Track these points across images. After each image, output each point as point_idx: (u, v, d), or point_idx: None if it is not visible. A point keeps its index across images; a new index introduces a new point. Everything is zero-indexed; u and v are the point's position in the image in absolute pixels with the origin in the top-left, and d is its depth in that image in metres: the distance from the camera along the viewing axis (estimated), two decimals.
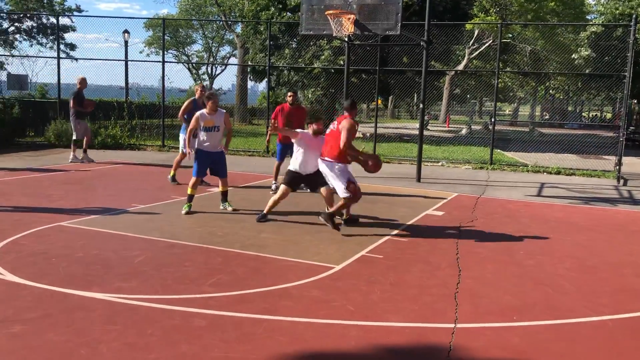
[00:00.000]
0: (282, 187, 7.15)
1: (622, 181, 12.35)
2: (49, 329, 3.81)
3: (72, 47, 30.07)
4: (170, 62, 30.90)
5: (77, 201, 8.10)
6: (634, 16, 12.98)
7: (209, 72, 51.35)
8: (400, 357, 3.66)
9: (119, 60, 17.87)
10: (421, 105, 11.72)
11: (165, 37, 18.72)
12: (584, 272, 5.63)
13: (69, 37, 29.70)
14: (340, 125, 6.79)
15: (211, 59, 52.84)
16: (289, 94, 9.64)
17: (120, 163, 12.54)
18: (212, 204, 8.14)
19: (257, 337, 3.81)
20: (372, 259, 5.76)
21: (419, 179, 11.31)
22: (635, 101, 32.63)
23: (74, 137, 12.37)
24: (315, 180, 7.20)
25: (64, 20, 28.26)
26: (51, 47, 29.93)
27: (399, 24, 9.88)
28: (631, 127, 27.24)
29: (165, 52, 16.82)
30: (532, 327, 4.19)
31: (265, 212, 7.24)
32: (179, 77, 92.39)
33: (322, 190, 7.16)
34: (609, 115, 47.09)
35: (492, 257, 6.04)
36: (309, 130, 7.16)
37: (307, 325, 4.04)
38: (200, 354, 3.54)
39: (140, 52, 53.44)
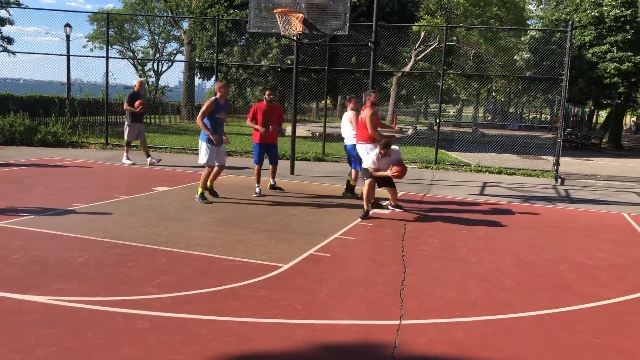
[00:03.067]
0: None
1: (559, 180, 12.87)
2: None
3: (9, 40, 28.78)
4: (115, 57, 29.98)
5: (13, 200, 7.77)
6: (570, 22, 13.53)
7: (155, 68, 50.17)
8: (346, 355, 3.68)
9: (60, 55, 17.29)
10: None
11: (110, 32, 18.16)
12: (523, 268, 5.83)
13: (5, 30, 28.36)
14: (363, 114, 8.39)
15: (157, 55, 51.71)
16: (267, 92, 9.17)
17: (61, 161, 12.11)
18: (156, 204, 7.98)
19: (202, 338, 3.76)
20: (320, 257, 5.78)
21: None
22: (572, 104, 34.04)
23: (126, 139, 12.49)
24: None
25: (0, 13, 27.04)
26: None
27: (348, 24, 9.96)
28: (568, 129, 28.44)
29: (110, 48, 16.31)
30: (474, 322, 4.30)
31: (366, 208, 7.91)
32: (124, 74, 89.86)
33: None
34: (547, 117, 48.89)
35: (436, 254, 6.18)
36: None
37: (253, 325, 4.01)
38: (144, 357, 3.45)
39: (84, 47, 51.56)
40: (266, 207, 8.22)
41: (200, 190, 8.33)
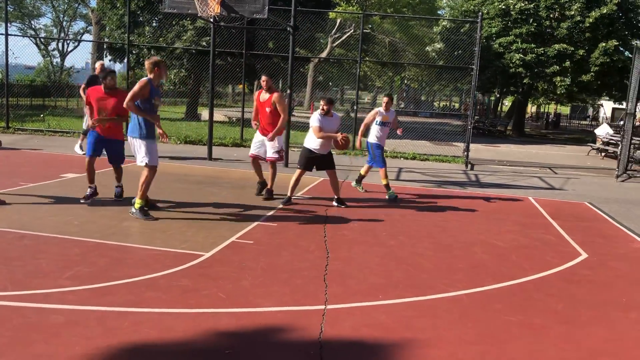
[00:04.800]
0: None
1: (469, 166, 13.45)
2: None
3: None
4: (15, 35, 27.98)
5: None
6: (480, 13, 14.09)
7: (60, 48, 47.32)
8: (272, 341, 3.66)
9: None
10: (288, 91, 11.78)
11: (9, 9, 16.82)
12: (440, 251, 6.04)
13: None
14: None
15: (62, 35, 48.77)
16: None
17: None
18: (66, 191, 7.55)
19: (122, 331, 3.60)
20: (243, 244, 5.70)
21: (286, 164, 11.39)
22: (479, 93, 35.62)
23: (84, 127, 11.29)
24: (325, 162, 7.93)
25: None
26: None
27: (267, 8, 9.82)
28: (476, 117, 29.77)
29: (9, 25, 15.14)
30: (396, 304, 4.41)
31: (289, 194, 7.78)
32: (25, 53, 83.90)
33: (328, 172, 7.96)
34: (457, 105, 50.94)
35: (358, 238, 6.27)
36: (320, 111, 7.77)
37: (176, 316, 3.89)
38: (59, 353, 3.26)
39: None
40: (185, 195, 7.99)
41: (139, 201, 6.46)
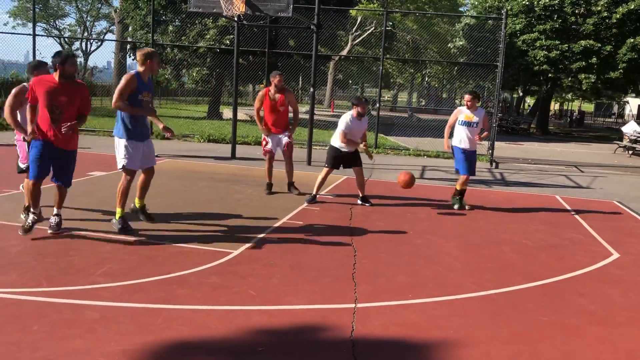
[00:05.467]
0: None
1: (494, 164, 13.31)
2: None
3: None
4: (41, 35, 28.61)
5: None
6: (504, 10, 13.93)
7: (83, 48, 47.97)
8: (304, 339, 3.66)
9: None
10: (311, 89, 11.79)
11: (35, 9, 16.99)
12: (468, 250, 5.99)
13: None
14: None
15: (86, 34, 49.41)
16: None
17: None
18: (93, 189, 7.63)
19: (155, 327, 3.63)
20: (270, 242, 5.72)
21: (309, 163, 11.40)
22: (503, 90, 35.21)
23: None
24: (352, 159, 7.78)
25: None
26: None
27: (291, 6, 9.83)
28: (499, 114, 29.49)
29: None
30: (426, 303, 4.38)
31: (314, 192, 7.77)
32: (50, 53, 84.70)
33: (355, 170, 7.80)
34: (478, 103, 50.36)
35: (384, 237, 6.24)
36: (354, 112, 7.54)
37: (208, 313, 3.91)
38: (94, 349, 3.30)
39: (5, 24, 48.52)
40: (211, 193, 8.04)
41: (118, 210, 5.67)
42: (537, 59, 23.34)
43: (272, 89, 7.94)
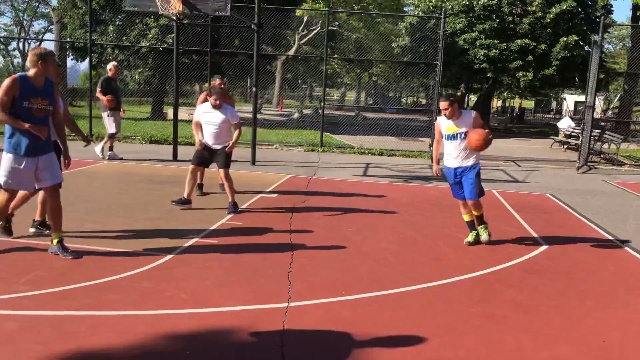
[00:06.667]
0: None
1: None
2: None
3: None
4: None
5: None
6: (443, 10, 14.25)
7: (20, 48, 46.20)
8: (233, 340, 3.64)
9: None
10: (254, 89, 11.74)
11: None
12: (404, 245, 6.09)
13: None
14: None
15: (23, 34, 47.58)
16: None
17: None
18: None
19: (79, 335, 3.53)
20: (207, 244, 5.66)
21: (253, 162, 11.35)
22: (446, 88, 35.95)
23: (110, 131, 10.76)
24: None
25: None
26: None
27: (229, 5, 9.74)
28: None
29: None
30: (360, 299, 4.43)
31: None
32: None
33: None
34: (423, 101, 51.38)
35: (323, 235, 6.28)
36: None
37: (136, 318, 3.83)
38: None
39: None
40: (149, 195, 7.89)
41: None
42: (478, 57, 23.98)
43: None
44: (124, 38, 20.77)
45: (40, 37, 49.14)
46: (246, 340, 3.66)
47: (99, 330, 3.62)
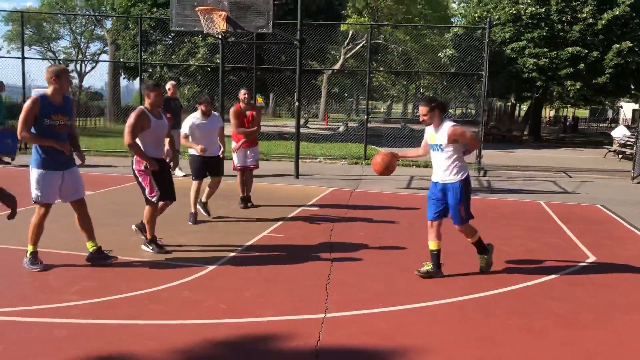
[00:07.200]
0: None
1: (482, 172, 13.38)
2: None
3: None
4: (32, 58, 29.11)
5: None
6: (488, 19, 14.10)
7: (78, 69, 48.27)
8: (270, 349, 3.70)
9: None
10: (297, 103, 11.90)
11: (28, 32, 17.19)
12: (446, 257, 5.98)
13: None
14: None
15: (80, 56, 49.77)
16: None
17: None
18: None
19: (122, 343, 3.67)
20: (247, 256, 5.77)
21: (297, 176, 11.48)
22: (497, 98, 35.43)
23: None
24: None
25: None
26: None
27: (271, 22, 9.96)
28: (491, 123, 29.62)
29: (28, 48, 15.57)
30: (396, 311, 4.42)
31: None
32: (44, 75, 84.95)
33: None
34: (472, 112, 50.65)
35: (363, 247, 6.29)
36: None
37: (175, 328, 3.96)
38: None
39: (0, 49, 48.65)
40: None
41: (30, 248, 5.18)
42: (527, 66, 23.51)
43: (242, 105, 8.10)
44: (173, 57, 21.45)
45: (96, 58, 51.18)
46: (282, 349, 3.71)
47: (141, 339, 3.75)
